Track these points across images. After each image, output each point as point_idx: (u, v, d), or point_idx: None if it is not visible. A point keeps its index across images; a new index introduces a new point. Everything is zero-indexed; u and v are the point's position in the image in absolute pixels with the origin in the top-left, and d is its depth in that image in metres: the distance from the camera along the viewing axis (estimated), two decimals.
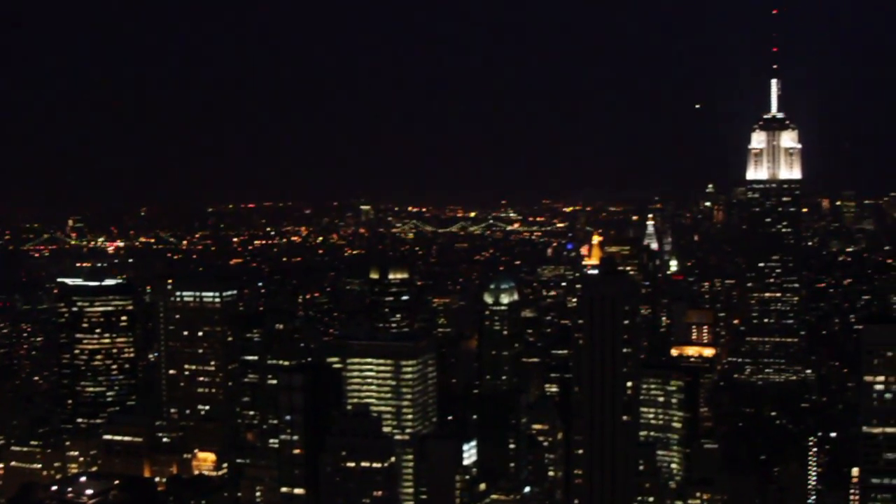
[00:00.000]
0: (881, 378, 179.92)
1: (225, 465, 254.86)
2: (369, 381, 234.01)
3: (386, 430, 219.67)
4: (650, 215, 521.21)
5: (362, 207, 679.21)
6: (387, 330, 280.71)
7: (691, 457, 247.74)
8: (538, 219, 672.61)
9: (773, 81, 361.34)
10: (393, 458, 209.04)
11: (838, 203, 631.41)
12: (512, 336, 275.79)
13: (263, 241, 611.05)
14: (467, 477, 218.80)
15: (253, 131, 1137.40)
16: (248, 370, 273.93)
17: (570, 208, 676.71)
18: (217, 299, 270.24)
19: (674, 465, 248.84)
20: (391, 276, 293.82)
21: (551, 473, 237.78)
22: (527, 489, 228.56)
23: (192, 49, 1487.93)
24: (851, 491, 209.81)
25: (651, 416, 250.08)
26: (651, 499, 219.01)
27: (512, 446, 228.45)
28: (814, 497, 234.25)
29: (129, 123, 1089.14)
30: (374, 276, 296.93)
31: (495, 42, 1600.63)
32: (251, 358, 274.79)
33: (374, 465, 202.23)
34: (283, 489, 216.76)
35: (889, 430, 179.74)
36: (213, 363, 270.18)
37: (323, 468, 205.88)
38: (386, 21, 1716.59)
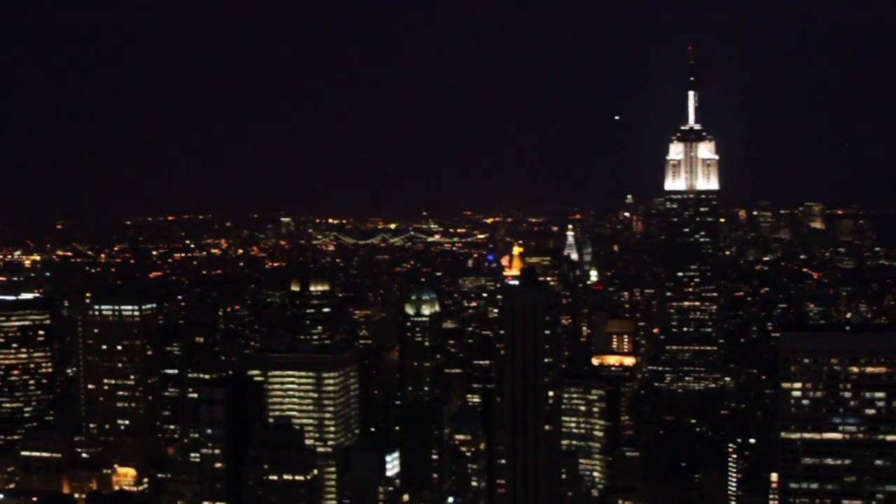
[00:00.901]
0: (798, 385, 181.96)
1: (145, 480, 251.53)
2: (291, 393, 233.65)
3: (308, 442, 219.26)
4: (570, 226, 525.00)
5: (283, 219, 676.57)
6: (308, 342, 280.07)
7: (613, 465, 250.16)
8: (459, 230, 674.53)
9: (691, 93, 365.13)
10: (315, 471, 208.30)
11: (755, 213, 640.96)
12: (434, 347, 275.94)
13: (183, 254, 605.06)
14: (390, 488, 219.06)
15: (171, 142, 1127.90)
16: (169, 384, 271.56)
17: (491, 219, 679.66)
18: (136, 313, 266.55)
19: (596, 474, 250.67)
20: (312, 289, 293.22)
21: (474, 483, 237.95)
22: (450, 500, 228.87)
23: (108, 55, 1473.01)
24: (771, 496, 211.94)
25: (573, 424, 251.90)
26: None
27: (435, 457, 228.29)
28: (734, 502, 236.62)
29: (44, 132, 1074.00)
30: (295, 288, 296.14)
31: (414, 51, 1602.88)
32: (171, 371, 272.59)
33: (297, 477, 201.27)
34: (205, 503, 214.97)
35: (807, 435, 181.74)
36: (132, 377, 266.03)
37: (245, 482, 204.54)
38: (303, 29, 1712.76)
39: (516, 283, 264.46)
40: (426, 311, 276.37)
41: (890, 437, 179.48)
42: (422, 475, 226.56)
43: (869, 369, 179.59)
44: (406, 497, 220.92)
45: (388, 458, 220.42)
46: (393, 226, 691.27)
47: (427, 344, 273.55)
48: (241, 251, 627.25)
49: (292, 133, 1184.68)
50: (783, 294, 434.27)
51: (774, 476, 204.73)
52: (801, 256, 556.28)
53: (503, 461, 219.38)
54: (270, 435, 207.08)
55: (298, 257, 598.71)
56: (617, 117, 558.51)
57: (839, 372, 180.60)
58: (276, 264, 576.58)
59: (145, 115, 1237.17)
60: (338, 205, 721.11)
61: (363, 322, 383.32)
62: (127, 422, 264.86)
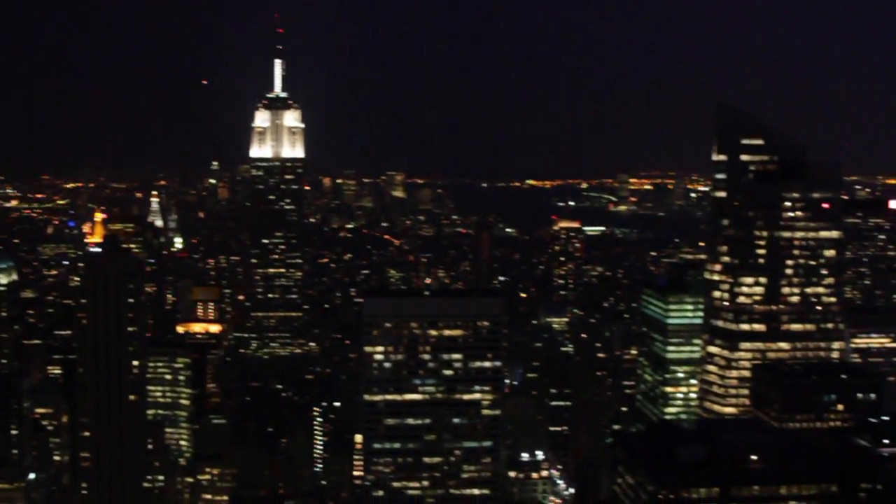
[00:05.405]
0: (380, 348, 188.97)
1: None
2: None
3: None
4: (154, 192, 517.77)
5: None
6: None
7: (200, 433, 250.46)
8: (38, 195, 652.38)
9: (278, 62, 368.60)
10: None
11: (339, 181, 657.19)
12: (11, 318, 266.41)
13: None
14: None
15: None
16: None
17: (72, 185, 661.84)
18: None
19: (183, 442, 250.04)
20: None
21: (57, 458, 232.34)
22: (31, 476, 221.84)
23: None
24: (355, 456, 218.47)
25: (159, 394, 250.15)
26: (161, 477, 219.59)
27: (14, 432, 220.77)
28: (320, 465, 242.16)
29: None
30: None
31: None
32: None
33: None
34: None
35: (389, 397, 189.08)
36: None
37: None
38: None
39: (99, 250, 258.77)
40: (3, 280, 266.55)
41: (466, 397, 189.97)
42: (1, 451, 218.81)
43: (447, 332, 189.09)
44: None
45: None
46: None
47: (4, 314, 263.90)
48: None
49: None
50: (366, 260, 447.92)
51: (359, 437, 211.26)
52: (384, 224, 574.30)
53: (87, 433, 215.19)
54: None
55: None
56: (204, 82, 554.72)
57: (419, 335, 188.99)
58: None
59: None
60: None
61: None
62: None
